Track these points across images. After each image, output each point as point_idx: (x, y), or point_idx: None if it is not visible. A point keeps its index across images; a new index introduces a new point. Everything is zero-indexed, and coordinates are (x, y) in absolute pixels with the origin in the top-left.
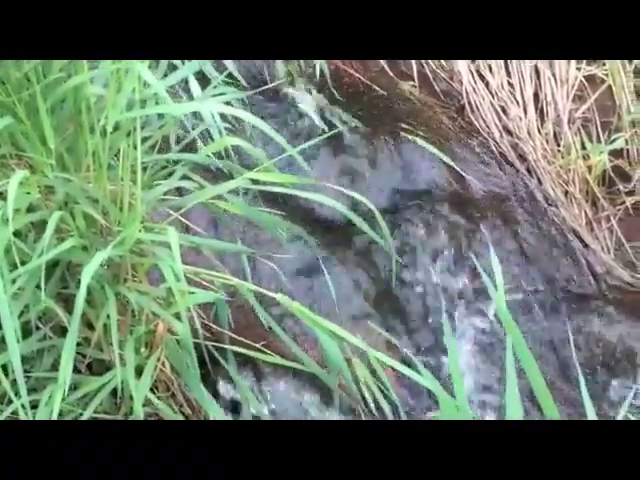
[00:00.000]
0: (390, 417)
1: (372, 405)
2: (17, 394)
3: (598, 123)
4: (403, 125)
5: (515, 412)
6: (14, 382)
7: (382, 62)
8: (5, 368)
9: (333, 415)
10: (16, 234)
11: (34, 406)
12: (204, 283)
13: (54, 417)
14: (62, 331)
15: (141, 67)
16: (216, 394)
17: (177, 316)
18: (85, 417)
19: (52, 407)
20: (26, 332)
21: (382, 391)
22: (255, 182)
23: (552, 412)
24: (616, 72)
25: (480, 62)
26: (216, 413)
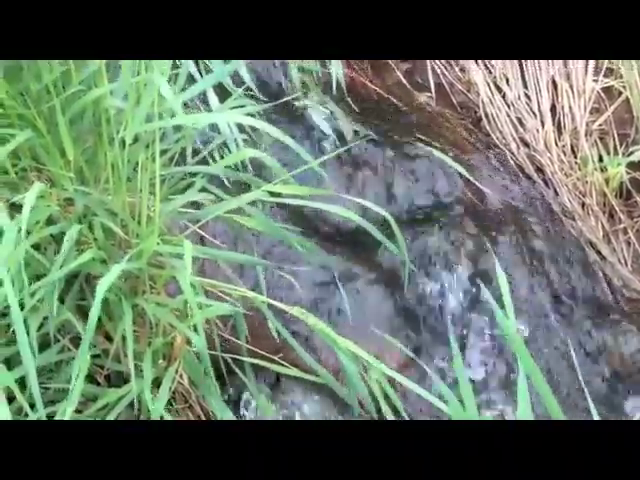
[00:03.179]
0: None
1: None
2: (33, 407)
3: (615, 135)
4: (420, 136)
5: (525, 414)
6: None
7: (398, 73)
8: (23, 381)
9: None
10: (36, 247)
11: (50, 416)
12: (222, 295)
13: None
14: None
15: (159, 80)
16: (233, 406)
17: (195, 328)
18: None
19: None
20: (45, 344)
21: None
22: (272, 194)
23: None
24: (634, 84)
25: (497, 74)
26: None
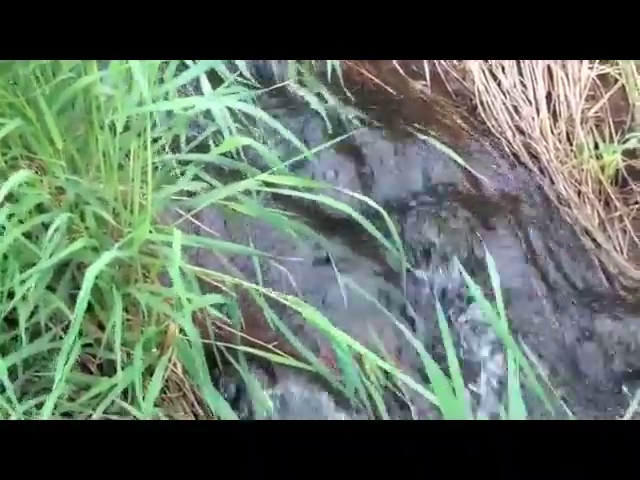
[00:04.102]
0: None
1: (382, 407)
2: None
3: (611, 123)
4: (415, 124)
5: (517, 412)
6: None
7: (394, 61)
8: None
9: (344, 416)
10: (27, 235)
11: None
12: (215, 284)
13: (45, 416)
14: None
15: (135, 69)
16: (227, 394)
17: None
18: (95, 418)
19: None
20: (36, 333)
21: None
22: (267, 183)
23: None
24: (629, 72)
25: (492, 61)
26: (226, 414)
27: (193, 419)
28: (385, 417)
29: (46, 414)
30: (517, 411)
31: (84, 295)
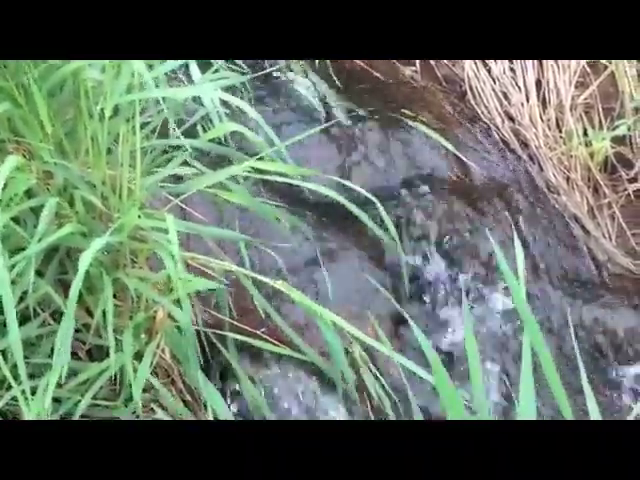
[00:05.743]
0: (387, 406)
1: (373, 394)
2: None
3: (600, 110)
4: (404, 111)
5: (527, 411)
6: (14, 367)
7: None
8: (4, 354)
9: (332, 402)
10: (15, 220)
11: (33, 392)
12: (204, 269)
13: (47, 404)
14: (61, 317)
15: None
16: (215, 381)
17: (177, 303)
18: (83, 403)
19: (46, 394)
20: (25, 318)
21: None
22: (255, 169)
23: (567, 412)
24: None
25: None
26: (215, 401)
27: (182, 405)
28: (374, 403)
29: (48, 403)
30: (526, 410)
31: (78, 282)
